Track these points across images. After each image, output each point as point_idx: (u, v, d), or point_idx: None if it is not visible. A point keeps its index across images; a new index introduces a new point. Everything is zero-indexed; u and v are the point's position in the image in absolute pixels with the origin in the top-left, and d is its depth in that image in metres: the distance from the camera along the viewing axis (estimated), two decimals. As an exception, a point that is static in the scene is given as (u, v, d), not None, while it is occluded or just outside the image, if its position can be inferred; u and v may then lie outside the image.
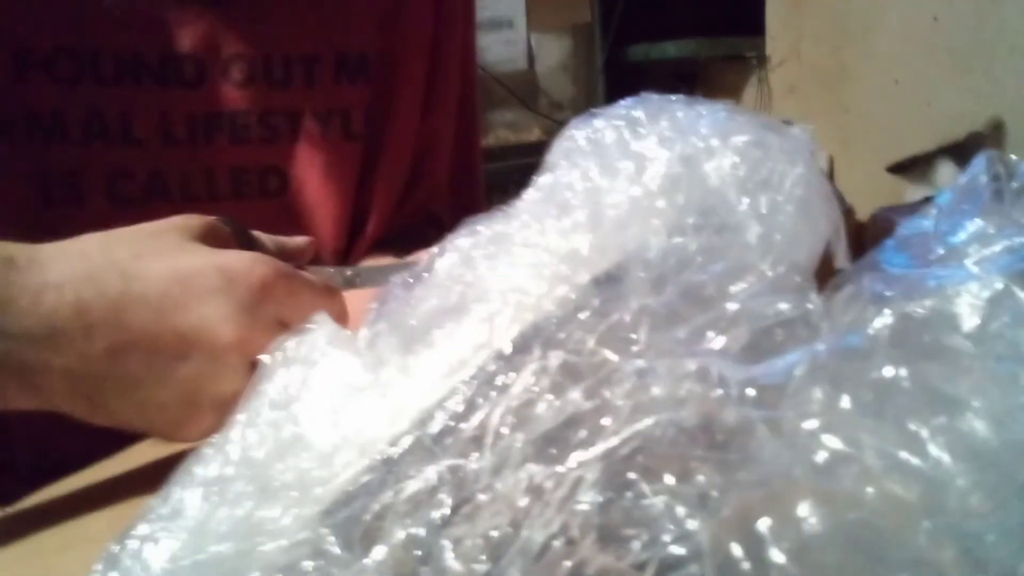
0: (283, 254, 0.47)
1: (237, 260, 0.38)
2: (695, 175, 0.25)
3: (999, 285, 0.26)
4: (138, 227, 0.39)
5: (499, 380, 0.23)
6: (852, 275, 0.25)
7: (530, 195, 0.28)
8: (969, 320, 0.24)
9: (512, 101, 2.34)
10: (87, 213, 0.56)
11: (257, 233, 0.46)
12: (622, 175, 0.26)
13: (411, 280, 0.29)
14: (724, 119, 0.27)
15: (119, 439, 0.41)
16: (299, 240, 0.50)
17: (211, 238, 0.40)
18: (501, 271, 0.26)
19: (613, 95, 2.40)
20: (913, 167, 1.83)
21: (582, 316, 0.23)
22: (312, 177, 0.63)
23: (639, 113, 0.28)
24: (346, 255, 0.67)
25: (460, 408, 0.23)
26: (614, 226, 0.25)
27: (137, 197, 0.58)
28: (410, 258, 0.59)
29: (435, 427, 0.23)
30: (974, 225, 0.30)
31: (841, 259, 0.27)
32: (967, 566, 0.16)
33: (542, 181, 0.29)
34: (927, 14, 1.79)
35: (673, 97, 0.28)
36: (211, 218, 0.41)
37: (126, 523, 0.25)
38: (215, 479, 0.25)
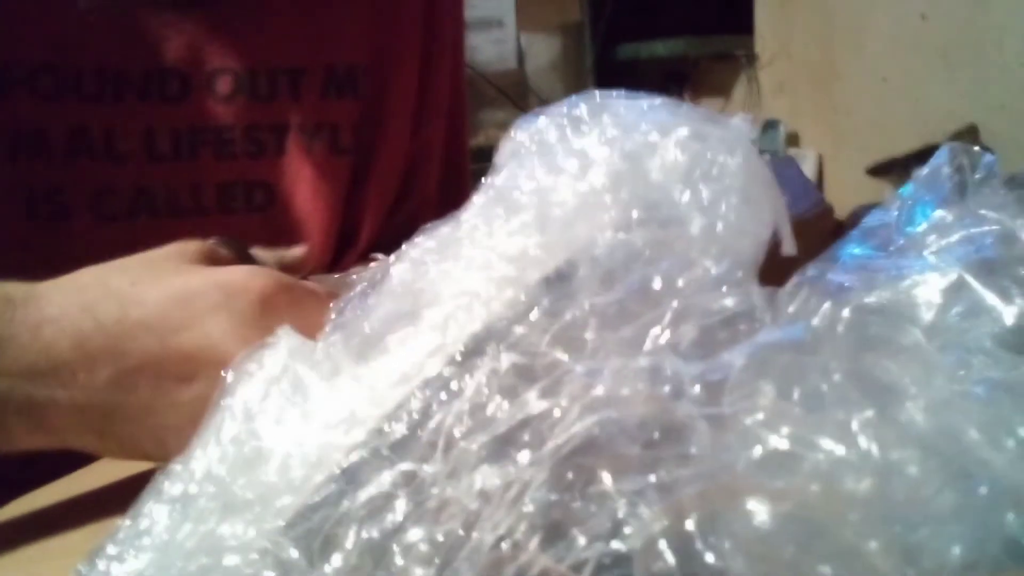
0: (284, 267, 0.47)
1: (235, 275, 0.37)
2: (638, 170, 0.25)
3: (954, 275, 0.26)
4: (134, 256, 0.39)
5: (452, 384, 0.23)
6: (807, 268, 0.25)
7: (478, 198, 0.29)
8: (921, 310, 0.24)
9: (502, 100, 2.35)
10: (72, 229, 0.55)
11: (256, 249, 0.46)
12: (567, 173, 0.26)
13: (369, 289, 0.29)
14: (664, 114, 0.27)
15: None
16: (297, 251, 0.49)
17: (209, 260, 0.40)
18: (452, 275, 0.26)
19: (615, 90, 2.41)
20: (891, 169, 1.84)
21: (533, 316, 0.23)
22: (300, 191, 0.63)
23: (581, 111, 0.28)
24: (335, 267, 0.67)
25: (415, 415, 0.23)
26: (561, 224, 0.25)
27: (123, 213, 0.57)
28: None
29: (391, 435, 0.23)
30: (934, 215, 0.31)
31: (788, 246, 0.27)
32: (897, 555, 0.16)
33: (489, 183, 0.29)
34: (915, 12, 1.80)
35: (614, 93, 0.28)
36: (208, 241, 0.41)
37: (105, 532, 0.25)
38: (180, 496, 0.25)
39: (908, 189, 0.33)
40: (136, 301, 0.36)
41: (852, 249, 0.28)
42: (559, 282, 0.24)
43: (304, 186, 0.62)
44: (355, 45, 0.64)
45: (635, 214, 0.24)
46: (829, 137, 2.10)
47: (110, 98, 0.56)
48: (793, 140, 2.19)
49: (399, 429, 0.23)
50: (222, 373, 0.30)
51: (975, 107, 1.66)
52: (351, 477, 0.23)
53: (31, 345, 0.34)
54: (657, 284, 0.22)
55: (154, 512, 0.26)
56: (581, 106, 0.27)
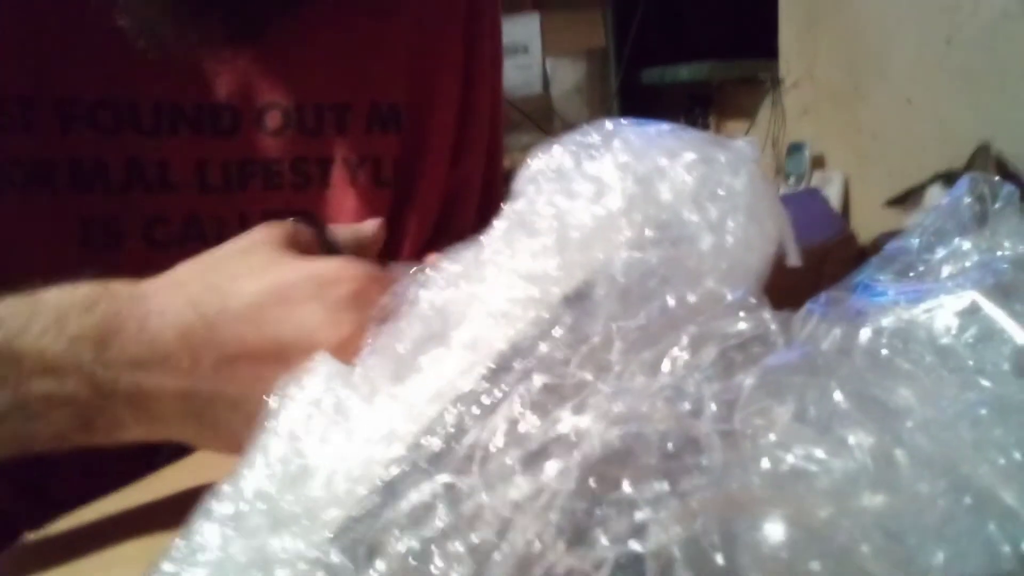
0: (359, 242, 0.49)
1: (328, 267, 0.39)
2: (649, 193, 0.27)
3: (968, 300, 0.27)
4: (227, 248, 0.42)
5: (484, 399, 0.25)
6: (826, 295, 0.26)
7: (500, 223, 0.30)
8: (935, 333, 0.26)
9: (528, 125, 2.37)
10: (125, 255, 0.58)
11: (334, 226, 0.48)
12: (583, 197, 0.28)
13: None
14: (672, 139, 0.28)
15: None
16: (371, 225, 0.52)
17: (295, 244, 0.42)
18: (478, 297, 0.28)
19: (628, 118, 2.43)
20: (909, 198, 1.85)
21: (556, 333, 0.25)
22: (343, 221, 0.65)
23: (593, 138, 0.29)
24: None
25: (451, 429, 0.25)
26: (579, 246, 0.27)
27: (174, 240, 0.59)
28: None
29: (429, 449, 0.25)
30: (953, 243, 0.32)
31: (792, 258, 0.29)
32: (884, 558, 0.17)
33: (510, 209, 0.30)
34: (940, 36, 1.80)
35: (624, 121, 0.30)
36: (291, 223, 0.44)
37: (160, 545, 0.27)
38: (231, 515, 0.27)
39: (929, 218, 0.34)
40: (235, 294, 0.38)
41: (872, 275, 0.29)
42: (579, 300, 0.26)
43: (346, 217, 0.64)
44: (397, 84, 0.66)
45: (648, 234, 0.26)
46: (854, 159, 2.10)
47: (165, 132, 0.58)
48: (818, 162, 2.19)
49: (436, 443, 0.25)
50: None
51: (999, 130, 1.66)
52: (392, 489, 0.24)
53: (138, 337, 0.36)
54: (672, 302, 0.23)
55: (206, 530, 0.27)
56: (593, 134, 0.29)
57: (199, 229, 0.60)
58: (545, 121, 2.41)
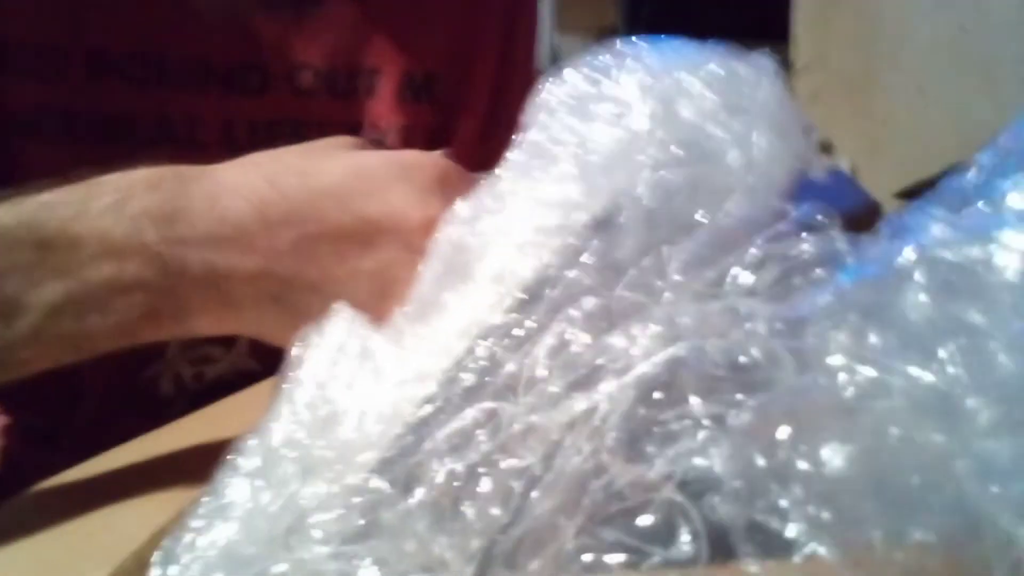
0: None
1: (411, 154, 0.38)
2: (671, 111, 0.26)
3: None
4: (299, 145, 0.39)
5: (517, 331, 0.24)
6: (887, 219, 0.25)
7: (513, 155, 0.29)
8: (1002, 263, 0.24)
9: (535, 102, 2.35)
10: None
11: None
12: (601, 120, 0.27)
13: None
14: (689, 54, 0.28)
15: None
16: (438, 153, 0.51)
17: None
18: (499, 228, 0.27)
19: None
20: (921, 192, 1.83)
21: (585, 259, 0.24)
22: None
23: (607, 59, 0.28)
24: None
25: (484, 363, 0.24)
26: (600, 169, 0.26)
27: None
28: None
29: (462, 383, 0.24)
30: (1016, 179, 0.30)
31: (816, 171, 0.28)
32: (978, 478, 0.16)
33: (525, 138, 0.29)
34: (955, 23, 1.78)
35: (636, 39, 0.29)
36: (360, 139, 0.42)
37: (170, 498, 0.26)
38: (259, 468, 0.26)
39: (986, 156, 0.32)
40: (316, 172, 0.36)
41: (929, 210, 0.28)
42: (605, 225, 0.25)
43: None
44: (434, 53, 0.65)
45: (674, 152, 0.25)
46: (864, 147, 2.08)
47: (194, 87, 0.57)
48: (825, 149, 2.18)
49: (469, 377, 0.24)
50: (402, 246, 0.31)
51: (1014, 118, 1.65)
52: (427, 424, 0.23)
53: (208, 213, 0.34)
54: (700, 217, 0.22)
55: (234, 485, 0.26)
56: (605, 56, 0.28)
57: None
58: (553, 99, 2.40)
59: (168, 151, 0.56)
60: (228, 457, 0.27)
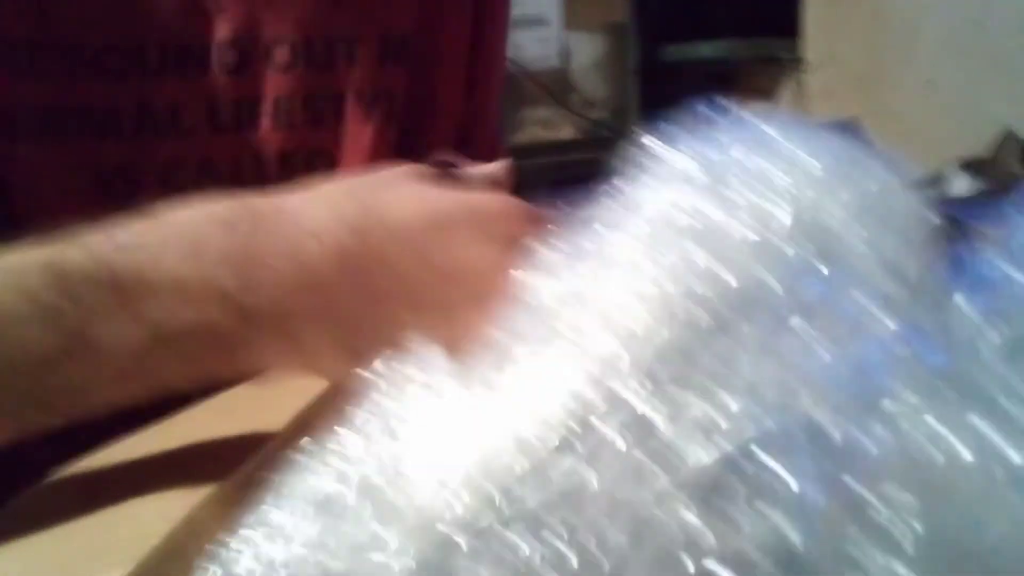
0: (493, 183, 0.48)
1: (485, 199, 0.39)
2: (815, 214, 0.25)
3: None
4: (365, 177, 0.39)
5: (600, 403, 0.24)
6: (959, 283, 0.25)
7: (633, 220, 0.28)
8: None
9: (545, 99, 2.35)
10: (143, 205, 0.57)
11: (464, 170, 0.46)
12: (743, 211, 0.26)
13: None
14: (846, 158, 0.27)
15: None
16: (501, 166, 0.50)
17: (431, 179, 0.41)
18: (599, 299, 0.27)
19: (647, 95, 2.41)
20: (931, 186, 1.82)
21: (701, 361, 0.23)
22: (358, 158, 0.64)
23: (753, 140, 0.28)
24: None
25: (571, 433, 0.23)
26: (736, 269, 0.25)
27: (190, 186, 0.59)
28: None
29: (548, 453, 0.23)
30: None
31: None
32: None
33: (640, 198, 0.29)
34: (965, 17, 1.78)
35: (781, 118, 0.29)
36: (424, 167, 0.42)
37: (188, 489, 0.25)
38: (324, 495, 0.26)
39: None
40: (390, 213, 0.36)
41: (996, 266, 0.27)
42: (727, 329, 0.24)
43: (361, 154, 0.64)
44: (406, 14, 0.65)
45: (808, 261, 0.24)
46: (876, 143, 2.07)
47: (173, 73, 0.58)
48: (838, 144, 2.17)
49: (553, 447, 0.23)
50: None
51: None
52: (509, 495, 0.23)
53: (286, 259, 0.34)
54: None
55: (294, 506, 0.26)
56: (749, 131, 0.28)
57: (215, 173, 0.59)
58: (562, 95, 2.39)
59: (152, 141, 0.57)
60: (300, 472, 0.27)
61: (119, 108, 0.56)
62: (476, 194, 0.39)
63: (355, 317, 0.35)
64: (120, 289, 0.32)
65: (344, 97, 0.63)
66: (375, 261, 0.35)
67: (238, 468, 0.33)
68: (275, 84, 0.61)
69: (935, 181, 1.85)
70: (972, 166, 1.73)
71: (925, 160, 1.89)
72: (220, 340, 0.33)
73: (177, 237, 0.34)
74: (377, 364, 0.30)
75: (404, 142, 0.66)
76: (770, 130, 0.28)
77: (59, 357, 0.31)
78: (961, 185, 1.71)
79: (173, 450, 0.36)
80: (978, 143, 1.73)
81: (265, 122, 0.61)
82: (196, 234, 0.34)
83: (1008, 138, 1.65)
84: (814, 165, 0.27)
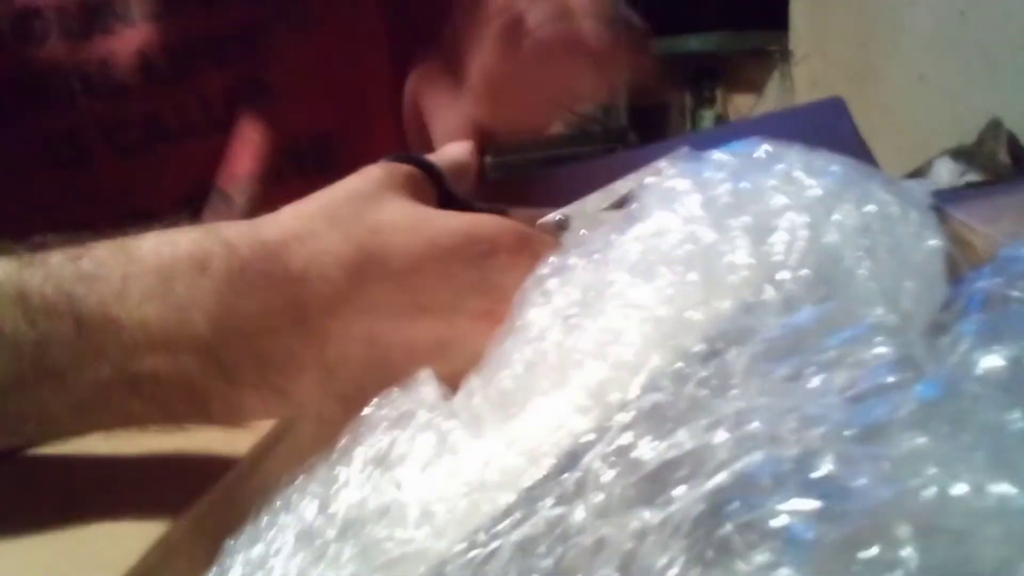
0: (459, 173, 0.46)
1: (483, 228, 0.37)
2: (814, 243, 0.25)
3: None
4: (345, 192, 0.37)
5: (593, 435, 0.23)
6: (959, 313, 0.24)
7: (627, 244, 0.28)
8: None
9: (532, 93, 2.34)
10: (94, 169, 0.56)
11: (436, 165, 0.43)
12: (739, 235, 0.26)
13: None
14: (845, 179, 0.26)
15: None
16: (461, 150, 0.49)
17: (415, 191, 0.39)
18: (600, 332, 0.26)
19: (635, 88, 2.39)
20: (916, 175, 1.83)
21: (688, 390, 0.23)
22: (302, 86, 0.63)
23: (749, 161, 0.27)
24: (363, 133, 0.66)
25: (571, 483, 0.23)
26: (730, 292, 0.25)
27: (140, 144, 0.58)
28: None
29: (545, 499, 0.23)
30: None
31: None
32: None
33: (641, 230, 0.28)
34: (955, 9, 1.78)
35: (785, 143, 0.28)
36: (405, 168, 0.40)
37: (167, 469, 0.25)
38: (311, 531, 0.25)
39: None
40: (383, 244, 0.34)
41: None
42: (717, 355, 0.23)
43: (305, 79, 0.62)
44: None
45: (809, 288, 0.24)
46: (863, 135, 2.08)
47: (96, 30, 0.57)
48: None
49: (550, 494, 0.23)
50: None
51: (1015, 106, 1.65)
52: (497, 538, 0.23)
53: (265, 300, 0.31)
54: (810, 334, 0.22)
55: (274, 537, 0.26)
56: (748, 155, 0.27)
57: (162, 126, 0.58)
58: (550, 91, 2.38)
59: (92, 102, 0.55)
60: (288, 500, 0.26)
61: (49, 74, 0.55)
62: (470, 219, 0.37)
63: (346, 365, 0.33)
64: (80, 321, 0.30)
65: (277, 24, 0.61)
66: (370, 304, 0.33)
67: (212, 484, 0.31)
68: (205, 22, 0.59)
69: (923, 170, 1.86)
70: (959, 155, 1.73)
71: (913, 150, 1.89)
72: (193, 392, 0.31)
73: (141, 273, 0.31)
74: (389, 398, 0.29)
75: (346, 59, 0.64)
76: (767, 149, 0.28)
77: (16, 382, 0.29)
78: (948, 174, 1.71)
79: (155, 457, 0.34)
80: (965, 133, 1.73)
81: (201, 63, 0.59)
82: (162, 271, 0.31)
83: (994, 127, 1.65)
84: (812, 186, 0.26)
